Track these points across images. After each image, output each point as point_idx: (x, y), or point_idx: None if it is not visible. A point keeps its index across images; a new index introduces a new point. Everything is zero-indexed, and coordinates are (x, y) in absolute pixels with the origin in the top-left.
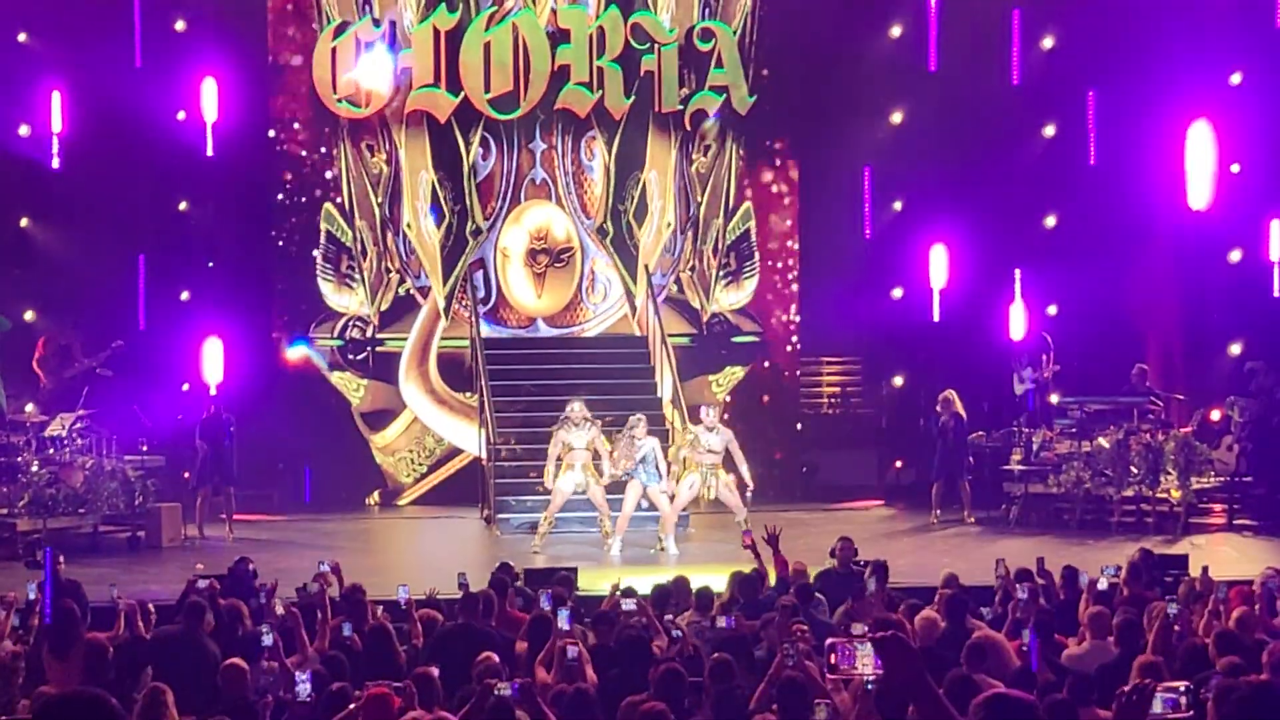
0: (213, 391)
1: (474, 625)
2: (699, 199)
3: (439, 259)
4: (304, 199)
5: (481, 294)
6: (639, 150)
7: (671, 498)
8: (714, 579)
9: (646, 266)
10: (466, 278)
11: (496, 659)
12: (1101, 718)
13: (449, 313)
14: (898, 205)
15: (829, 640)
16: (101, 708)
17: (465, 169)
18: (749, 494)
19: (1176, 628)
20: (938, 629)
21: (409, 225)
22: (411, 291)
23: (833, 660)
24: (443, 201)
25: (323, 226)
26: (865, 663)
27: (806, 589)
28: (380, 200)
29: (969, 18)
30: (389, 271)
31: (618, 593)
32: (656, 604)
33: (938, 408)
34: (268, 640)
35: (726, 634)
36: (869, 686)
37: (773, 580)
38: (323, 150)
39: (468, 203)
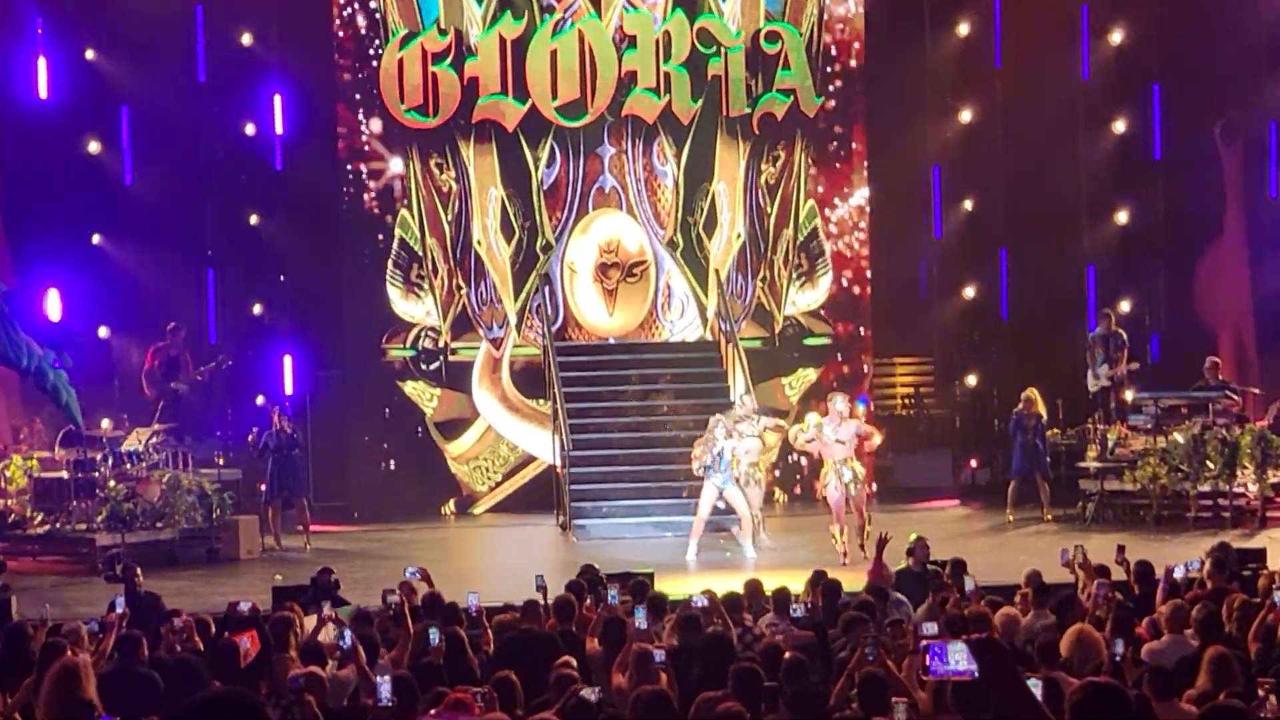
0: (276, 409)
1: (539, 630)
2: (769, 210)
3: (510, 276)
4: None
5: (548, 312)
6: (708, 159)
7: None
8: (792, 582)
9: (718, 271)
10: (537, 291)
11: (574, 663)
12: (1184, 711)
13: (519, 329)
14: (968, 204)
15: (923, 642)
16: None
17: (533, 184)
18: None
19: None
20: (1019, 625)
21: (479, 242)
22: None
23: (927, 661)
24: (512, 218)
25: (397, 233)
26: (960, 663)
27: (882, 591)
28: (449, 218)
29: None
30: (459, 289)
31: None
32: (730, 609)
33: (1019, 406)
34: (345, 644)
35: (804, 636)
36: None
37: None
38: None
39: (537, 219)
